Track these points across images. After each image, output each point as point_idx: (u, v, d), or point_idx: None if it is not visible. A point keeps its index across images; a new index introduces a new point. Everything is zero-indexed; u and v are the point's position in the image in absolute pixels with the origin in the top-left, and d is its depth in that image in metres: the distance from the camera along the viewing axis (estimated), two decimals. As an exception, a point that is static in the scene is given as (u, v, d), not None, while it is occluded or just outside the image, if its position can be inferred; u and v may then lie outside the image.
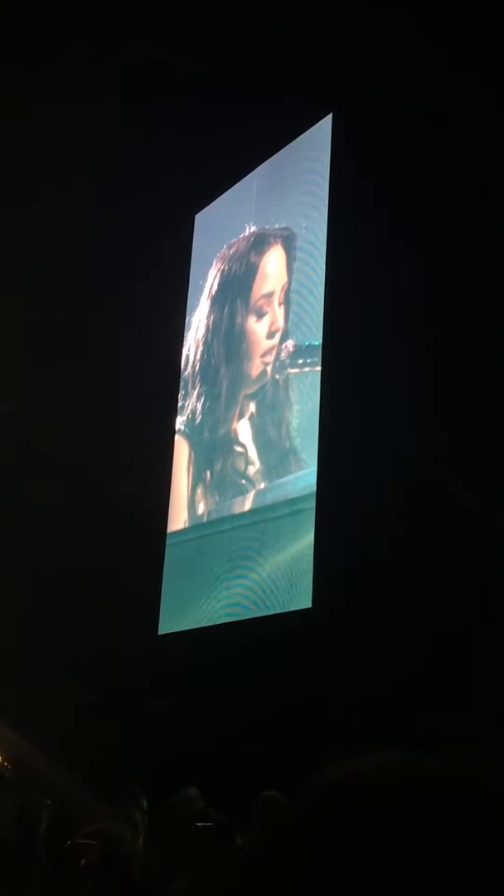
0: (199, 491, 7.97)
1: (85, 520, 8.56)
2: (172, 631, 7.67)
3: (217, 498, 7.73)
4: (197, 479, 8.05)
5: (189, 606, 7.55)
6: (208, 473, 7.89)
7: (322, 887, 0.64)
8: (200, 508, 7.91)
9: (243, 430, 7.55)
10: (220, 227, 8.49)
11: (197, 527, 7.86)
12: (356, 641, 5.79)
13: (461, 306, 5.87)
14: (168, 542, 8.09)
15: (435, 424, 5.79)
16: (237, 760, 6.07)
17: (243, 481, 7.41)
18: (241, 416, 7.60)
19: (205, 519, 7.80)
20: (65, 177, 8.71)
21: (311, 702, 6.00)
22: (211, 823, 3.95)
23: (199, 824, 3.95)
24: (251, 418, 7.48)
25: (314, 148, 7.36)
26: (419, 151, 6.31)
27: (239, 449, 7.56)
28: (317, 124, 7.33)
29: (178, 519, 8.13)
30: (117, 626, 7.95)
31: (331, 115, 7.21)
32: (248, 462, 7.42)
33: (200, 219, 8.86)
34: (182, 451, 8.31)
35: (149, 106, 8.25)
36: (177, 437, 8.39)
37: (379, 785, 0.69)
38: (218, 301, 8.26)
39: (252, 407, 7.49)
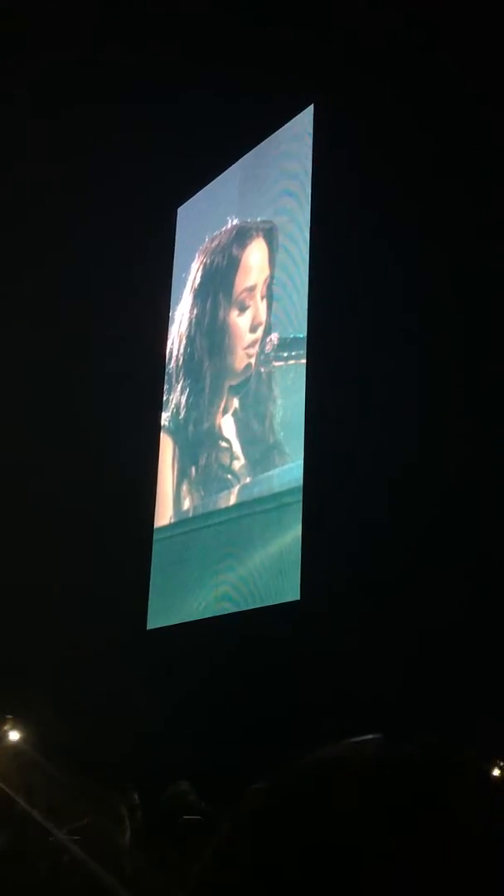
0: (185, 486, 7.96)
1: (71, 516, 8.53)
2: (161, 626, 7.67)
3: (203, 493, 7.72)
4: (182, 475, 8.03)
5: (177, 601, 7.54)
6: (193, 468, 7.88)
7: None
8: (186, 504, 7.90)
9: (227, 424, 7.54)
10: (202, 220, 8.46)
11: (183, 522, 7.85)
12: (345, 633, 5.81)
13: (446, 298, 5.87)
14: (155, 537, 8.08)
15: (420, 416, 5.80)
16: (227, 754, 6.07)
17: (229, 476, 7.41)
18: (225, 411, 7.59)
19: (191, 514, 7.79)
20: (44, 171, 8.66)
21: (300, 694, 6.01)
22: (199, 817, 3.96)
23: (187, 818, 3.95)
24: (235, 412, 7.47)
25: (296, 139, 7.34)
26: (401, 142, 6.30)
27: (223, 443, 7.55)
28: (298, 115, 7.31)
29: (165, 514, 8.12)
30: (105, 622, 7.93)
31: (312, 106, 7.19)
32: (232, 456, 7.41)
33: (182, 212, 8.83)
34: (167, 447, 8.30)
35: (129, 99, 8.21)
36: (161, 432, 8.37)
37: (342, 769, 0.68)
38: (200, 295, 8.24)
39: (236, 401, 7.48)
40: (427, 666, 5.29)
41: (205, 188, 8.47)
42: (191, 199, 8.70)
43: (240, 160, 7.98)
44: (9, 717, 5.71)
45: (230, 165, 8.07)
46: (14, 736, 5.67)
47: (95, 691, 7.56)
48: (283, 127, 7.48)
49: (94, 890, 2.35)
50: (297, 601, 6.35)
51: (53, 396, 8.77)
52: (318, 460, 6.45)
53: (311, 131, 7.14)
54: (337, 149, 6.85)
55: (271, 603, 6.61)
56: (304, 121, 7.25)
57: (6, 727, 5.63)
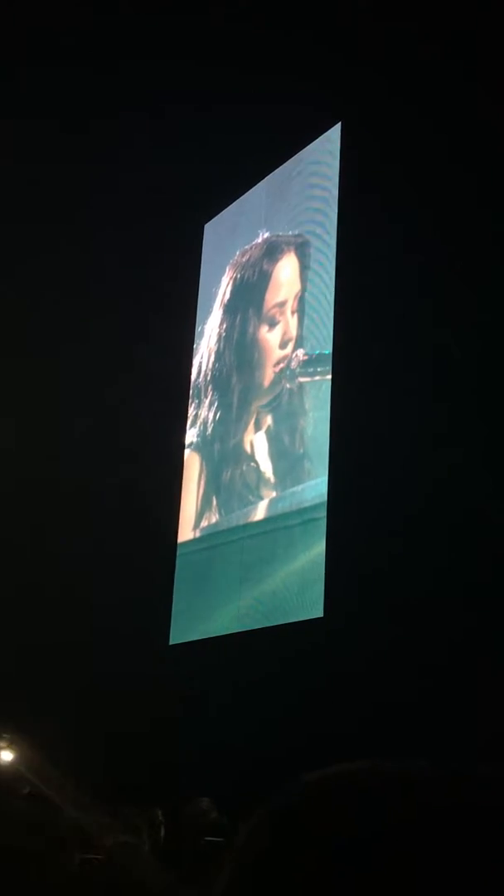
0: (211, 501, 7.96)
1: (95, 531, 8.56)
2: (183, 641, 7.66)
3: (228, 507, 7.72)
4: (209, 489, 8.04)
5: (200, 616, 7.53)
6: (219, 483, 7.88)
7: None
8: (212, 518, 7.90)
9: (256, 439, 7.54)
10: (229, 237, 8.50)
11: (208, 536, 7.84)
12: (368, 651, 5.77)
13: (472, 315, 5.85)
14: (179, 551, 8.08)
15: (447, 433, 5.77)
16: (248, 771, 6.04)
17: (255, 490, 7.40)
18: (255, 426, 7.59)
19: (216, 529, 7.78)
20: (72, 188, 8.75)
21: (322, 712, 5.97)
22: (221, 839, 3.93)
23: (209, 839, 3.92)
24: (266, 428, 7.47)
25: (324, 156, 7.36)
26: (428, 160, 6.30)
27: (249, 461, 7.54)
28: (326, 133, 7.33)
29: (189, 529, 8.12)
30: (128, 637, 7.93)
31: (340, 124, 7.22)
32: (259, 471, 7.40)
33: (210, 228, 8.87)
34: (193, 463, 8.30)
35: (156, 115, 8.27)
36: (188, 449, 8.38)
37: (358, 784, 0.68)
38: (230, 309, 8.26)
39: (266, 416, 7.48)
40: (452, 685, 5.24)
41: (232, 205, 8.50)
42: (218, 216, 8.74)
43: (267, 177, 8.01)
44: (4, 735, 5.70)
45: (257, 182, 8.11)
46: (6, 756, 5.65)
47: (117, 706, 7.56)
48: (311, 144, 7.51)
49: None
50: (320, 618, 6.32)
51: (81, 410, 8.81)
52: (344, 476, 6.43)
53: (339, 149, 7.17)
54: (365, 166, 6.86)
55: (294, 620, 6.58)
56: (333, 138, 7.28)
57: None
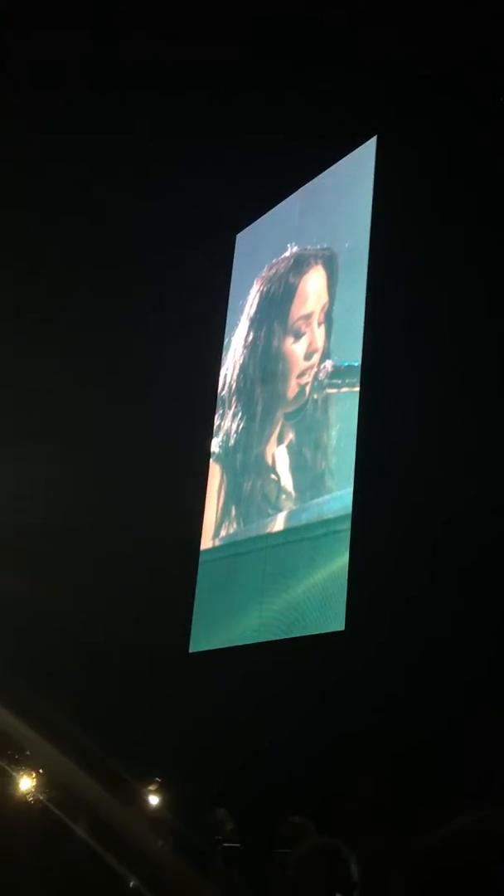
0: (230, 511, 7.95)
1: (119, 538, 8.56)
2: (203, 649, 7.63)
3: (248, 518, 7.70)
4: (228, 499, 8.03)
5: (220, 625, 7.51)
6: (240, 494, 7.86)
7: None
8: (230, 528, 7.89)
9: (279, 450, 7.52)
10: (261, 247, 8.51)
11: (230, 545, 7.83)
12: (388, 666, 5.72)
13: (502, 330, 5.82)
14: (201, 559, 8.07)
15: (474, 449, 5.73)
16: (264, 781, 6.00)
17: (274, 503, 7.38)
18: (278, 437, 7.58)
19: (237, 538, 7.77)
20: (104, 197, 8.79)
21: (340, 726, 5.92)
22: (238, 845, 3.91)
23: (227, 845, 3.91)
24: (289, 439, 7.45)
25: (358, 169, 7.36)
26: (463, 175, 6.29)
27: (270, 472, 7.53)
28: (361, 146, 7.33)
29: (211, 537, 8.11)
30: (148, 644, 7.92)
31: (375, 137, 7.22)
32: (280, 485, 7.38)
33: (242, 238, 8.89)
34: (215, 473, 8.30)
35: (192, 126, 8.31)
36: (211, 458, 8.38)
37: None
38: (256, 322, 8.27)
39: (290, 427, 7.47)
40: (475, 703, 5.18)
41: (264, 216, 8.52)
42: (250, 227, 8.76)
43: (301, 189, 8.02)
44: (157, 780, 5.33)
45: (291, 193, 8.12)
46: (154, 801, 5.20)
47: (136, 712, 7.54)
48: (346, 157, 7.51)
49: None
50: (341, 632, 6.27)
51: (108, 418, 8.83)
52: (369, 489, 6.40)
53: (373, 162, 7.16)
54: (399, 180, 6.86)
55: (315, 632, 6.54)
56: (368, 152, 7.28)
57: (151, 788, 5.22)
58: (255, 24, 7.59)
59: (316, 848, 2.20)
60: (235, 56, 7.79)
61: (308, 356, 7.43)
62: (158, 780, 5.30)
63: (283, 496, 7.30)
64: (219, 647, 7.41)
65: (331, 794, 5.40)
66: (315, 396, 7.24)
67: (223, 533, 7.95)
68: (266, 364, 7.95)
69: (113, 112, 8.36)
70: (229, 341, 8.60)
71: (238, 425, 8.15)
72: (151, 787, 5.24)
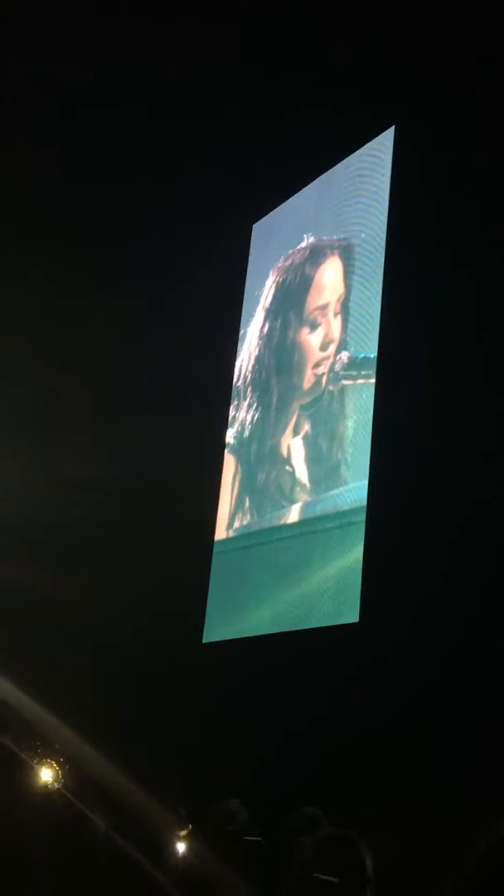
0: (244, 502, 7.95)
1: (131, 528, 8.57)
2: (216, 640, 7.64)
3: (262, 510, 7.70)
4: (242, 491, 8.02)
5: (234, 616, 7.51)
6: (254, 485, 7.86)
7: None
8: (246, 518, 7.88)
9: (294, 442, 7.51)
10: (277, 237, 8.48)
11: (244, 536, 7.83)
12: (403, 659, 5.71)
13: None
14: (215, 550, 8.08)
15: (491, 441, 5.70)
16: (276, 773, 6.01)
17: (289, 495, 7.37)
18: (294, 429, 7.56)
19: (251, 529, 7.76)
20: (121, 186, 8.77)
21: (353, 719, 5.92)
22: (259, 838, 3.91)
23: (248, 838, 3.90)
24: (304, 433, 7.43)
25: (376, 159, 7.32)
26: (481, 165, 6.24)
27: (285, 464, 7.51)
28: (379, 136, 7.29)
29: (225, 528, 8.11)
30: (161, 634, 7.94)
31: (393, 127, 7.17)
32: (294, 476, 7.37)
33: (258, 229, 8.86)
34: (229, 464, 8.30)
35: (207, 114, 8.28)
36: (226, 450, 8.37)
37: None
38: (272, 313, 8.25)
39: (306, 419, 7.45)
40: (490, 697, 5.17)
41: (281, 206, 8.49)
42: (266, 217, 8.73)
43: (318, 178, 7.98)
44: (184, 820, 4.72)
45: (308, 183, 8.08)
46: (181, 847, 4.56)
47: (149, 703, 7.56)
48: (364, 147, 7.47)
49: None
50: (355, 623, 6.27)
51: (120, 410, 8.83)
52: (384, 480, 6.38)
53: (391, 152, 7.12)
54: (417, 170, 6.82)
55: (329, 624, 6.53)
56: (385, 141, 7.24)
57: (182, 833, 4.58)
58: (271, 12, 7.55)
59: (334, 837, 2.18)
60: (257, 44, 7.75)
61: (324, 347, 7.41)
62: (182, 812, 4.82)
63: (298, 488, 7.29)
64: (232, 637, 7.41)
65: (344, 787, 5.40)
66: (331, 388, 7.22)
67: (237, 524, 7.95)
68: (281, 355, 7.93)
69: (130, 99, 8.33)
70: (245, 332, 8.58)
71: (253, 416, 8.14)
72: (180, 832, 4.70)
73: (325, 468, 7.09)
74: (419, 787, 5.08)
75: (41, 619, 8.48)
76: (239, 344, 8.61)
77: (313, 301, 7.72)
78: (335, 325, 7.37)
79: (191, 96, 8.25)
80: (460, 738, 5.10)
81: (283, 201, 8.45)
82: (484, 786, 4.47)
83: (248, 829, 4.54)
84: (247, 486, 7.97)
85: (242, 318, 8.64)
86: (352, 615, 6.30)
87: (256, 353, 8.32)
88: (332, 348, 7.32)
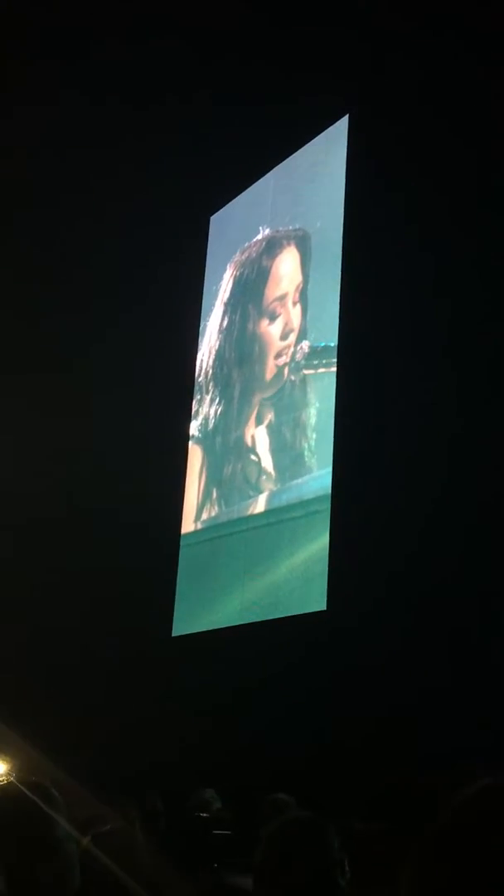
0: (212, 493, 7.94)
1: (98, 523, 8.54)
2: (186, 633, 7.64)
3: (229, 501, 7.70)
4: (209, 482, 8.02)
5: (203, 608, 7.51)
6: (222, 476, 7.86)
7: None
8: (214, 510, 7.88)
9: (258, 432, 7.52)
10: (235, 229, 8.47)
11: (211, 528, 7.82)
12: (371, 645, 5.75)
13: (478, 306, 5.83)
14: (182, 542, 8.06)
15: (453, 426, 5.74)
16: (249, 762, 6.02)
17: (255, 485, 7.38)
18: (256, 419, 7.57)
19: (219, 520, 7.76)
20: (77, 178, 8.71)
21: (324, 705, 5.95)
22: (229, 832, 3.89)
23: (218, 832, 3.89)
24: (268, 423, 7.44)
25: (331, 149, 7.33)
26: (436, 152, 6.28)
27: (251, 454, 7.52)
28: (333, 125, 7.30)
29: (192, 521, 8.10)
30: (131, 628, 7.92)
31: (347, 116, 7.19)
32: (260, 466, 7.38)
33: (216, 221, 8.84)
34: (195, 456, 8.28)
35: (163, 106, 8.24)
36: (190, 442, 8.36)
37: None
38: (230, 306, 8.24)
39: (269, 409, 7.46)
40: (455, 678, 5.22)
41: (238, 197, 8.47)
42: (224, 209, 8.71)
43: (274, 169, 7.98)
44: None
45: (264, 174, 8.08)
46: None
47: (119, 696, 7.54)
48: (319, 136, 7.48)
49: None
50: (323, 611, 6.29)
51: (83, 405, 8.79)
52: (348, 468, 6.41)
53: (345, 141, 7.14)
54: (371, 158, 6.84)
55: (297, 612, 6.56)
56: (340, 130, 7.25)
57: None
58: (224, 4, 7.53)
59: (288, 821, 2.10)
60: (209, 35, 7.72)
61: (284, 336, 7.42)
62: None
63: (264, 477, 7.30)
64: (202, 629, 7.41)
65: (315, 774, 5.43)
66: (293, 377, 7.23)
67: (205, 516, 7.94)
68: (242, 347, 7.93)
69: (82, 87, 8.27)
70: (204, 326, 8.56)
71: (216, 409, 8.13)
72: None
73: (290, 456, 7.11)
74: (390, 770, 5.12)
75: (6, 616, 8.43)
76: (199, 338, 8.59)
77: (271, 292, 7.72)
78: (294, 314, 7.38)
79: (146, 88, 8.21)
80: (429, 720, 5.14)
81: (239, 193, 8.43)
82: (455, 764, 4.51)
83: (221, 816, 4.56)
84: (213, 478, 7.96)
85: (202, 312, 8.61)
86: (319, 603, 6.32)
87: (217, 347, 8.31)
88: (292, 337, 7.33)
